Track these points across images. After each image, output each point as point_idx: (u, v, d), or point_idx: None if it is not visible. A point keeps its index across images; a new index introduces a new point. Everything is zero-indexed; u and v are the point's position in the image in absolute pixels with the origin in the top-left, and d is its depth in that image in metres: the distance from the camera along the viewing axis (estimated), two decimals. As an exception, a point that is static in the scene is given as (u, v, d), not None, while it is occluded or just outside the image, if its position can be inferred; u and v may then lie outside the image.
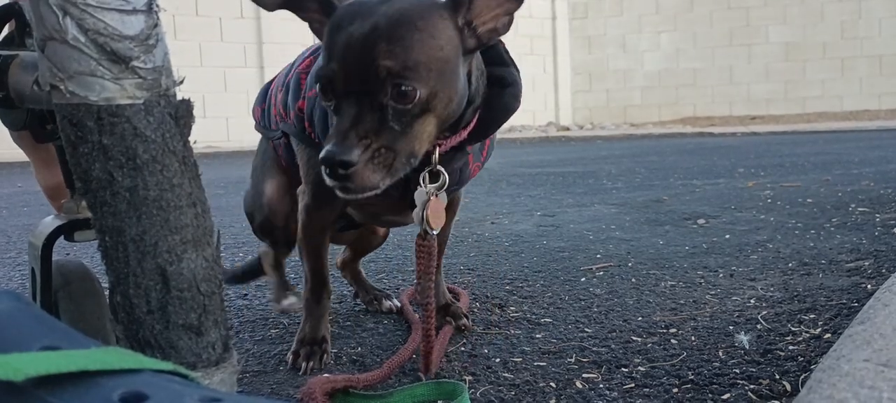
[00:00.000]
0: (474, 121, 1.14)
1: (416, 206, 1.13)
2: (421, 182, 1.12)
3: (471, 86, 1.07)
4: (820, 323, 1.39)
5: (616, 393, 1.10)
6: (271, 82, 1.43)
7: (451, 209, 1.33)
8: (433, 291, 1.16)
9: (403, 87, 0.93)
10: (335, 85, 0.96)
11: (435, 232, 1.14)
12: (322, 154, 0.93)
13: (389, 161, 0.95)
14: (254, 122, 1.48)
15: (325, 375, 1.14)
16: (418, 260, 1.14)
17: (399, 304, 1.57)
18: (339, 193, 0.96)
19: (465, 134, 1.14)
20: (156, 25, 0.68)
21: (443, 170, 1.12)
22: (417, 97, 0.94)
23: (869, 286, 1.62)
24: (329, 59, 0.97)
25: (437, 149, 1.11)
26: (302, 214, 1.28)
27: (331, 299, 1.34)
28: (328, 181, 0.94)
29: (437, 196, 1.12)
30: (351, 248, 1.67)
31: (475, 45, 1.02)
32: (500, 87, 1.13)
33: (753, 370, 1.16)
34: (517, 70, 1.15)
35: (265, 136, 1.43)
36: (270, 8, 1.03)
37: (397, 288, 1.78)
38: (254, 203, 1.45)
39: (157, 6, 0.69)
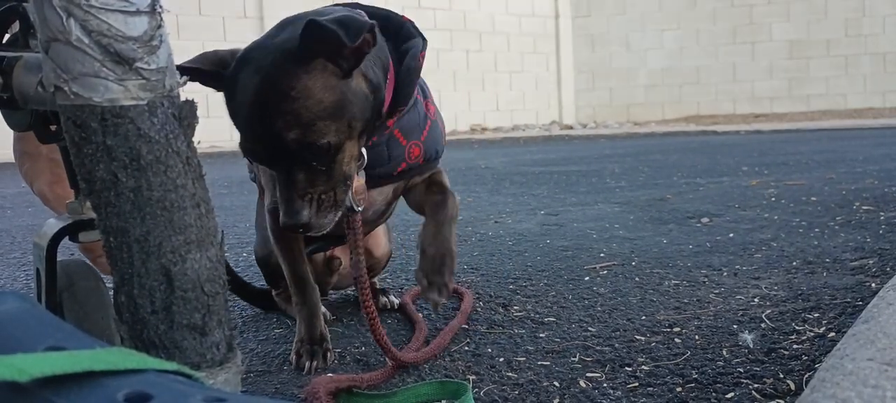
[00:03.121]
0: (388, 100, 1.19)
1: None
2: None
3: (372, 83, 1.12)
4: (824, 321, 1.38)
5: (620, 392, 1.10)
6: None
7: (435, 204, 1.34)
8: (362, 264, 1.21)
9: (314, 148, 1.04)
10: (261, 157, 1.10)
11: (359, 209, 1.19)
12: (281, 222, 1.08)
13: (332, 199, 1.09)
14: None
15: (329, 375, 1.14)
16: (347, 235, 1.22)
17: (396, 301, 1.58)
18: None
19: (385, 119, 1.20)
20: (159, 26, 0.69)
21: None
22: (330, 146, 1.05)
23: (873, 284, 1.62)
24: (243, 135, 1.08)
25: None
26: (269, 218, 1.34)
27: (318, 294, 1.36)
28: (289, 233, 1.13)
29: (357, 175, 1.17)
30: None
31: (349, 65, 1.06)
32: (411, 56, 1.20)
33: (757, 369, 1.16)
34: (424, 39, 1.23)
35: (250, 179, 1.57)
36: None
37: (401, 289, 1.79)
38: (263, 250, 1.53)
39: (161, 7, 0.69)
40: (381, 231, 1.58)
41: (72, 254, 1.23)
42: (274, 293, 1.59)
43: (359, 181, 1.18)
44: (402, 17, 1.27)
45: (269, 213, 1.34)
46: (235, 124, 1.09)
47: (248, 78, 1.05)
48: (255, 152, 1.10)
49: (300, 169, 1.06)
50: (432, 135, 1.31)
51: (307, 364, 1.25)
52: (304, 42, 1.02)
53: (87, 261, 1.04)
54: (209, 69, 1.10)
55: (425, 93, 1.35)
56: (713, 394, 1.08)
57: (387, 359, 1.21)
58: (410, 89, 1.20)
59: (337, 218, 1.12)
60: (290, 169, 1.06)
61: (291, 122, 1.03)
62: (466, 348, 1.33)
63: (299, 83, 1.03)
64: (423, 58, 1.22)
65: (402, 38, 1.23)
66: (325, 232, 1.12)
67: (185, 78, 0.73)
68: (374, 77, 1.12)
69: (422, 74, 1.25)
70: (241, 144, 1.10)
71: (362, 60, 1.08)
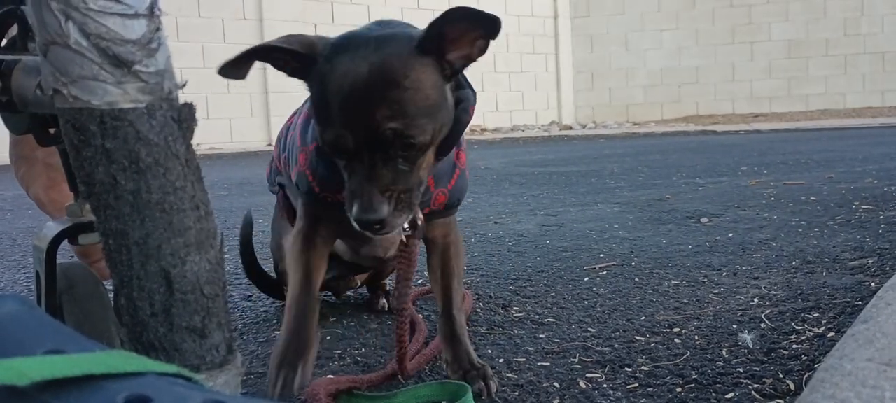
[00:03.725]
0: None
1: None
2: None
3: (455, 100, 1.11)
4: (823, 321, 1.38)
5: (620, 393, 1.10)
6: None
7: (441, 248, 1.30)
8: (408, 297, 1.18)
9: (410, 141, 1.01)
10: (346, 147, 1.02)
11: (412, 232, 1.16)
12: (354, 215, 1.01)
13: (409, 200, 1.04)
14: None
15: (329, 376, 1.14)
16: (398, 263, 1.19)
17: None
18: (370, 235, 1.06)
19: None
20: (158, 29, 0.69)
21: None
22: (420, 143, 1.02)
23: (872, 284, 1.62)
24: (331, 123, 1.02)
25: None
26: (294, 235, 1.27)
27: (317, 306, 1.21)
28: (359, 228, 1.03)
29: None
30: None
31: (451, 73, 1.06)
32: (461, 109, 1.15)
33: (757, 369, 1.16)
34: (474, 92, 1.18)
35: (270, 190, 1.54)
36: (242, 77, 1.06)
37: (400, 289, 1.78)
38: (277, 255, 1.54)
39: (159, 10, 0.69)
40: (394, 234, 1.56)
41: (71, 257, 1.23)
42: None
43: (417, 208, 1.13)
44: None
45: (297, 232, 1.26)
46: (322, 111, 1.03)
47: (352, 62, 1.00)
48: (339, 141, 1.02)
49: (386, 164, 1.01)
50: (459, 184, 1.28)
51: (278, 384, 1.10)
52: (433, 30, 1.00)
53: (88, 266, 1.04)
54: (303, 51, 1.04)
55: (460, 141, 1.30)
56: (713, 394, 1.08)
57: (386, 361, 1.21)
58: (455, 141, 1.15)
59: (407, 221, 1.07)
60: (375, 163, 1.01)
61: (397, 112, 0.99)
62: (466, 349, 1.33)
63: (413, 73, 1.00)
64: (473, 112, 1.17)
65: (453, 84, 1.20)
66: (393, 231, 1.06)
67: (184, 80, 0.73)
68: (454, 93, 1.10)
69: None
70: (324, 133, 1.03)
71: (466, 67, 1.07)
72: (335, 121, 1.01)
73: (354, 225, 1.02)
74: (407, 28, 1.07)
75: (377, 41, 1.02)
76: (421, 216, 1.16)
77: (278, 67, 1.07)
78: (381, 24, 1.09)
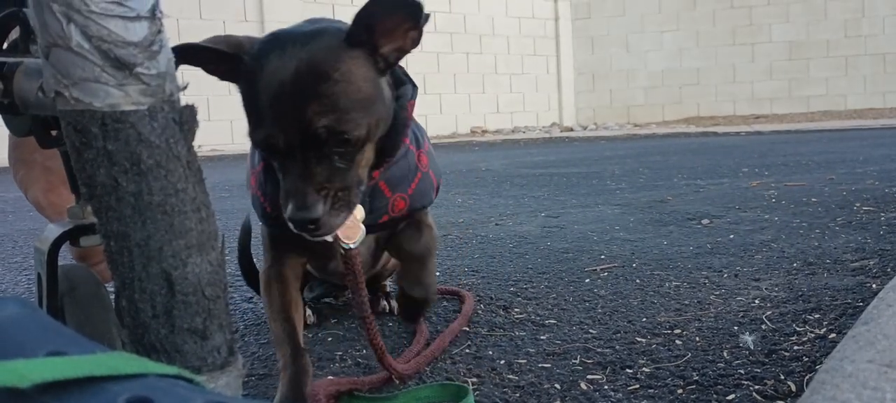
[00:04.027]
0: None
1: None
2: None
3: (393, 93, 1.09)
4: (825, 322, 1.38)
5: (621, 395, 1.10)
6: None
7: (411, 238, 1.27)
8: (366, 304, 1.15)
9: (344, 136, 0.98)
10: (277, 146, 0.99)
11: (351, 246, 1.10)
12: (288, 214, 0.97)
13: (348, 198, 1.01)
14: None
15: (330, 378, 1.14)
16: (345, 276, 1.14)
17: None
18: (308, 237, 1.01)
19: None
20: (159, 31, 0.69)
21: None
22: (356, 138, 0.99)
23: (874, 285, 1.62)
24: (260, 122, 1.00)
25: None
26: (263, 277, 1.25)
27: (307, 357, 1.16)
28: (295, 230, 0.99)
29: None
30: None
31: (385, 65, 1.04)
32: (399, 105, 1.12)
33: (758, 370, 1.16)
34: (415, 86, 1.15)
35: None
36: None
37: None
38: None
39: (161, 12, 0.69)
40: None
41: (73, 260, 1.23)
42: None
43: (355, 215, 1.08)
44: None
45: (265, 274, 1.23)
46: (252, 110, 1.00)
47: (280, 59, 0.98)
48: (270, 140, 0.99)
49: (321, 162, 0.98)
50: (421, 188, 1.23)
51: None
52: (359, 22, 0.98)
53: (89, 268, 1.04)
54: (230, 51, 1.02)
55: (419, 142, 1.26)
56: (714, 396, 1.08)
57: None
58: (398, 140, 1.12)
59: (343, 225, 1.03)
60: (309, 161, 0.98)
61: (327, 107, 0.96)
62: (467, 350, 1.33)
63: (343, 66, 0.98)
64: (413, 107, 1.14)
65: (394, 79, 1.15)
66: (329, 235, 1.02)
67: (185, 83, 0.74)
68: (393, 90, 1.08)
69: (422, 77, 1.22)
70: (254, 133, 1.01)
71: (400, 60, 1.04)
72: (265, 119, 0.98)
73: (290, 226, 0.98)
74: (337, 23, 1.04)
75: (305, 37, 1.00)
76: (362, 228, 1.10)
77: (209, 71, 1.05)
78: (311, 21, 1.07)
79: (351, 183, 1.01)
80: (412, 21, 0.99)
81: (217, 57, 1.02)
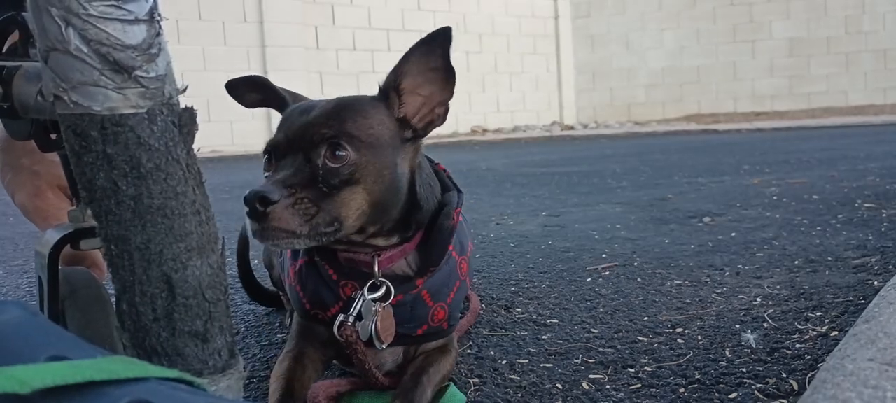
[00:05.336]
0: (418, 236, 1.12)
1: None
2: (363, 293, 1.08)
3: (416, 188, 1.09)
4: (827, 320, 1.38)
5: (622, 394, 1.10)
6: None
7: (429, 357, 1.15)
8: (377, 377, 1.08)
9: (337, 151, 1.00)
10: (277, 145, 1.05)
11: (383, 347, 1.07)
12: (246, 195, 0.96)
13: (311, 212, 0.97)
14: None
15: (329, 379, 1.14)
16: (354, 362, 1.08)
17: None
18: (258, 239, 0.99)
19: (409, 248, 1.11)
20: (158, 34, 0.69)
21: (386, 281, 1.09)
22: (348, 158, 1.00)
23: (875, 282, 1.61)
24: (277, 131, 1.08)
25: (377, 259, 1.09)
26: (281, 358, 1.15)
27: None
28: (249, 224, 0.98)
29: (383, 307, 1.07)
30: None
31: (412, 135, 1.09)
32: (444, 214, 1.13)
33: (760, 368, 1.16)
34: (460, 191, 1.18)
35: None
36: (250, 106, 1.22)
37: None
38: (271, 270, 1.61)
39: (160, 15, 0.69)
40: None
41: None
42: (282, 295, 1.60)
43: (387, 313, 1.07)
44: (437, 164, 1.22)
45: (299, 328, 1.16)
46: (279, 126, 1.09)
47: (315, 101, 1.11)
48: (274, 141, 1.05)
49: (304, 168, 0.99)
50: (458, 298, 1.18)
51: None
52: (389, 80, 1.08)
53: (90, 272, 1.04)
54: (286, 97, 1.18)
55: (463, 248, 1.21)
56: (716, 394, 1.07)
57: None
58: (443, 250, 1.10)
59: (300, 238, 0.97)
60: (297, 163, 1.00)
61: (333, 122, 1.02)
62: (469, 351, 1.33)
63: (362, 106, 1.06)
64: (459, 215, 1.13)
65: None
66: (280, 240, 0.97)
67: (185, 85, 0.74)
68: (418, 186, 1.09)
69: None
70: (268, 141, 1.07)
71: (428, 132, 1.09)
72: (281, 128, 1.07)
73: (246, 211, 0.96)
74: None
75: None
76: (393, 328, 1.07)
77: (245, 103, 1.20)
78: None
79: (324, 206, 0.98)
80: (444, 96, 1.07)
81: (272, 95, 1.17)
